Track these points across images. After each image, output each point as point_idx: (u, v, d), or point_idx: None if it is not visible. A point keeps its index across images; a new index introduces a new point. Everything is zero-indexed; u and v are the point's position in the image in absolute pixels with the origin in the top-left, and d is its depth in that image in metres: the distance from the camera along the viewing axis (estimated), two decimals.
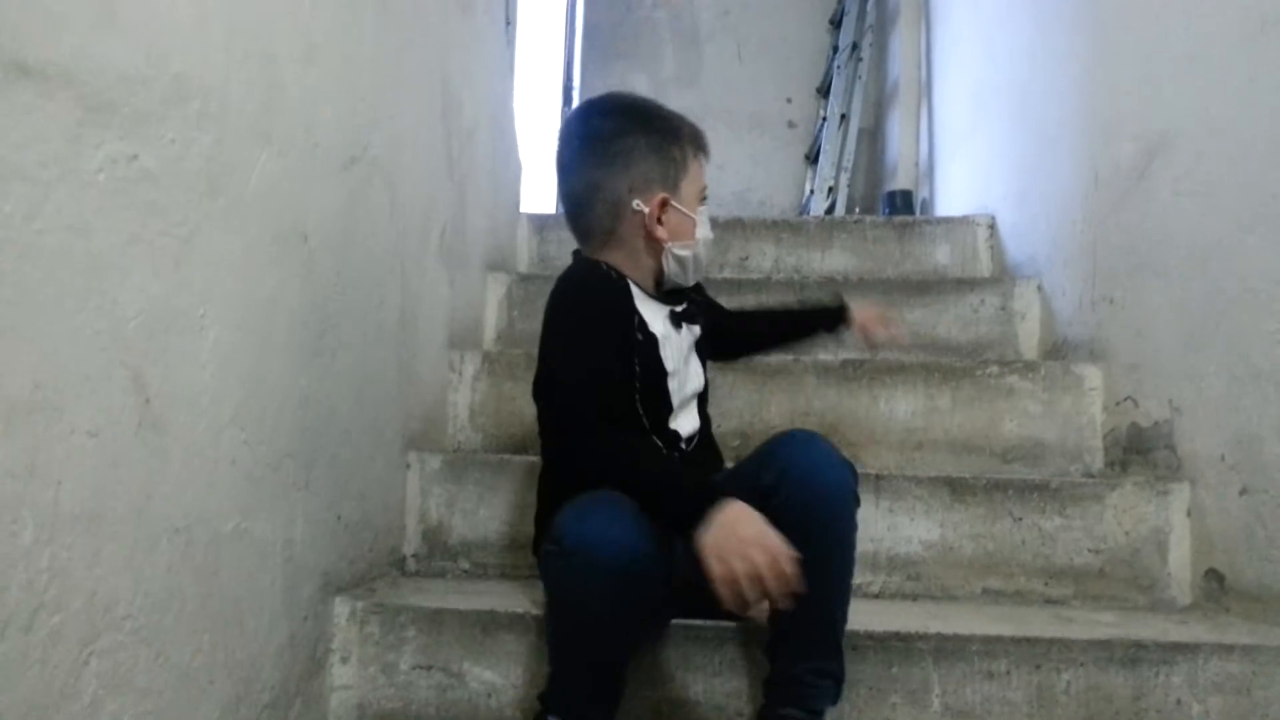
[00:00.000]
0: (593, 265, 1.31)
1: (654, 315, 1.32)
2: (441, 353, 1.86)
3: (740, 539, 1.03)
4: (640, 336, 1.29)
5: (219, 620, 1.02)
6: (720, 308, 1.54)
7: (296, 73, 1.16)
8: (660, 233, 1.29)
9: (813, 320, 1.61)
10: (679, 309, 1.36)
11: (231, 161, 1.01)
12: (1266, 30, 1.36)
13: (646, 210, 1.28)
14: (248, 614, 1.08)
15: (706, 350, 1.42)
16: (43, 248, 0.73)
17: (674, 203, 1.30)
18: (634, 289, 1.31)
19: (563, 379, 1.23)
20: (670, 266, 1.32)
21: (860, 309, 1.58)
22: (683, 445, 1.32)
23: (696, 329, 1.39)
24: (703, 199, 1.35)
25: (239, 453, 1.05)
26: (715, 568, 1.02)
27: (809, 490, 1.12)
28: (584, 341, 1.24)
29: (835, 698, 1.16)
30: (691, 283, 1.38)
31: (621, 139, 1.29)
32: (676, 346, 1.33)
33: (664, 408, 1.30)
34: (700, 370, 1.39)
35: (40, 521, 0.74)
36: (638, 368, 1.27)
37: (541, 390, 1.35)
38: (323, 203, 1.26)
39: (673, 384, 1.31)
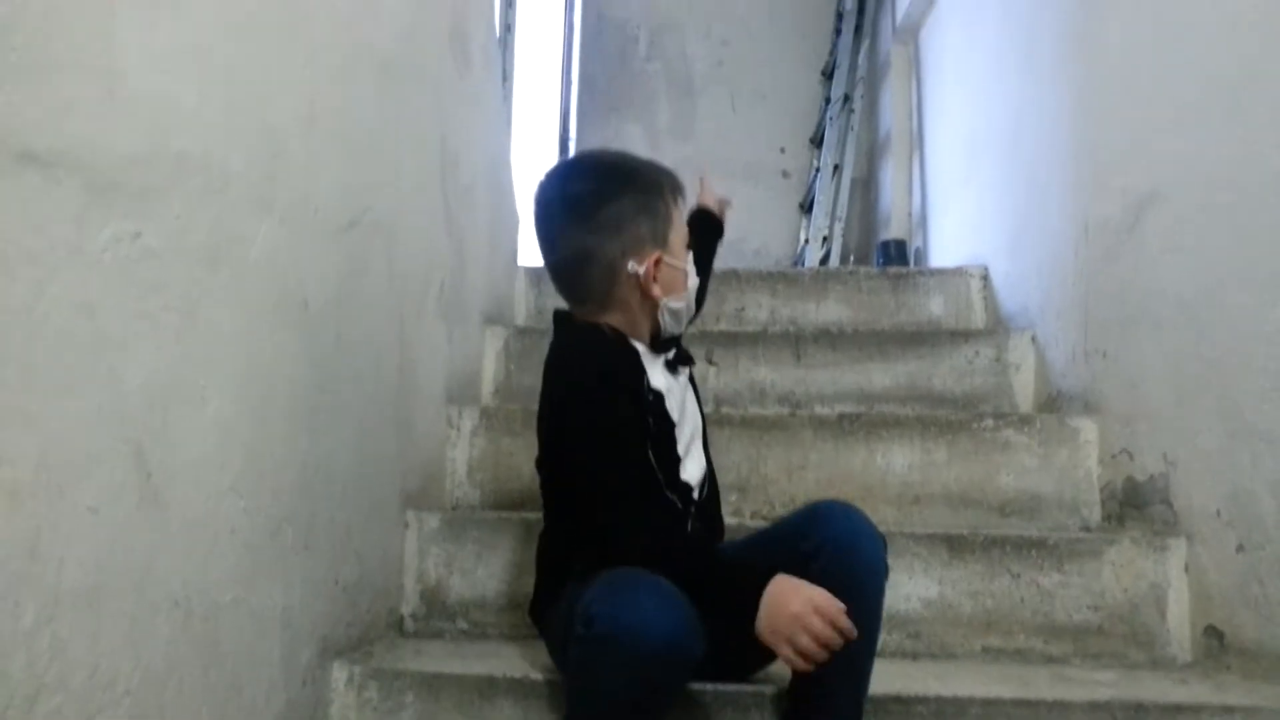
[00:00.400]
0: (594, 334, 1.29)
1: (655, 371, 1.32)
2: (440, 408, 1.87)
3: (793, 615, 1.06)
4: (650, 397, 1.29)
5: (218, 690, 1.01)
6: None
7: (297, 141, 1.18)
8: (655, 291, 1.29)
9: (704, 234, 1.67)
10: (671, 356, 1.35)
11: (233, 233, 1.02)
12: (1250, 90, 1.39)
13: (641, 271, 1.27)
14: (246, 682, 1.08)
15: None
16: (48, 329, 0.74)
17: (667, 259, 1.30)
18: (640, 351, 1.31)
19: (604, 484, 1.20)
20: (665, 320, 1.33)
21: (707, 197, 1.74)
22: (694, 495, 1.32)
23: (688, 369, 1.39)
24: (688, 245, 1.36)
25: (238, 521, 1.05)
26: (783, 649, 1.06)
27: (847, 561, 1.14)
28: (614, 438, 1.22)
29: None
30: (684, 329, 1.38)
31: (608, 204, 1.27)
32: (677, 395, 1.34)
33: (674, 458, 1.30)
34: (696, 408, 1.40)
35: (42, 602, 0.74)
36: (651, 425, 1.27)
37: (550, 467, 1.33)
38: (323, 267, 1.27)
39: (679, 432, 1.32)
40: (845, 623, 1.05)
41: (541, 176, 1.36)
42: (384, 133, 1.51)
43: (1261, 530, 1.37)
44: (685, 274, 1.34)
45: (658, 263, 1.28)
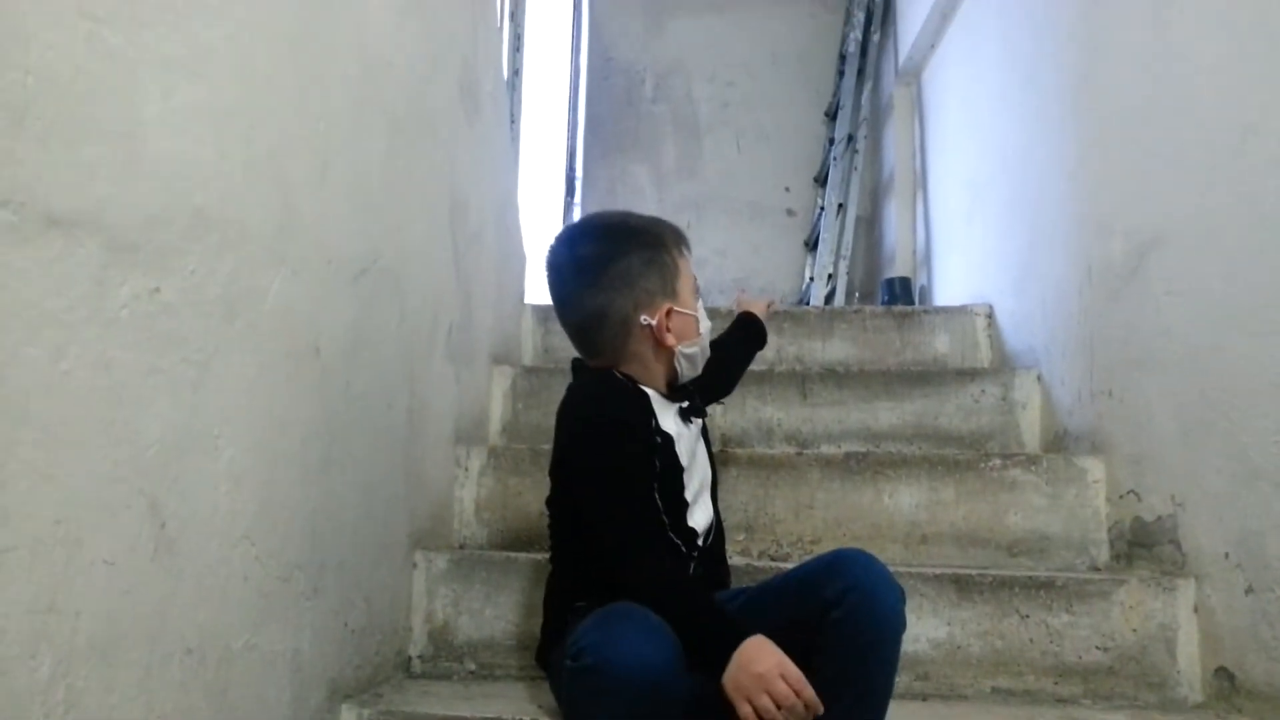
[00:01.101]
0: (606, 378, 1.35)
1: (667, 415, 1.36)
2: (448, 449, 1.88)
3: (758, 675, 1.08)
4: (659, 439, 1.32)
5: None
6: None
7: (311, 193, 1.21)
8: (669, 340, 1.34)
9: (745, 342, 1.77)
10: (685, 405, 1.39)
11: (248, 286, 1.05)
12: (1249, 137, 1.41)
13: (654, 322, 1.32)
14: None
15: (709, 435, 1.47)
16: (67, 387, 0.76)
17: (677, 308, 1.34)
18: (650, 394, 1.35)
19: (611, 518, 1.25)
20: (681, 366, 1.38)
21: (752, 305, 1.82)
22: (699, 541, 1.35)
23: (701, 420, 1.43)
24: (696, 292, 1.41)
25: (250, 568, 1.06)
26: (742, 707, 1.08)
27: (867, 609, 1.14)
28: (620, 473, 1.27)
29: None
30: (699, 373, 1.42)
31: (616, 262, 1.33)
32: (688, 442, 1.38)
33: (681, 504, 1.33)
34: (707, 460, 1.43)
35: (58, 655, 0.75)
36: (658, 468, 1.31)
37: (560, 505, 1.38)
38: (334, 316, 1.29)
39: (687, 478, 1.35)
40: (809, 694, 1.08)
41: (551, 242, 1.42)
42: (394, 184, 1.54)
43: (1271, 573, 1.37)
44: (697, 320, 1.38)
45: (669, 313, 1.33)
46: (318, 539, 1.24)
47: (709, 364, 1.46)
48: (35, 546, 0.73)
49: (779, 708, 1.07)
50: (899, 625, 1.18)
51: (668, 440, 1.33)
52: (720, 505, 1.49)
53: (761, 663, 1.09)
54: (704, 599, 1.23)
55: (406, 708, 1.34)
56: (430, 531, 1.73)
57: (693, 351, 1.37)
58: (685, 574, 1.30)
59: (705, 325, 1.40)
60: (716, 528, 1.41)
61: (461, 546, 1.88)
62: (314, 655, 1.23)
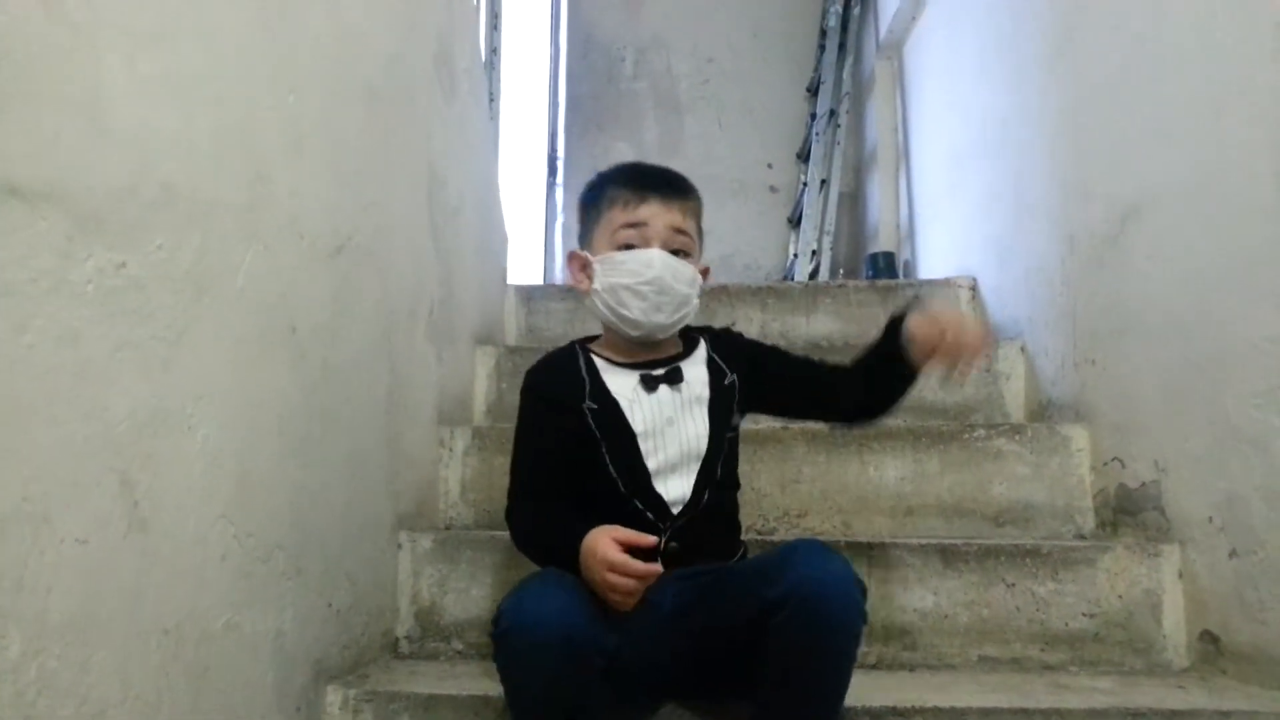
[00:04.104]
0: (553, 351, 1.43)
1: (619, 380, 1.33)
2: (431, 429, 1.86)
3: (600, 583, 1.15)
4: (594, 405, 1.30)
5: (210, 718, 1.01)
6: (775, 356, 1.45)
7: (284, 166, 1.19)
8: (581, 285, 1.36)
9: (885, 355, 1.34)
10: (657, 373, 1.33)
11: (219, 261, 1.03)
12: (1230, 98, 1.40)
13: (567, 274, 1.38)
14: (239, 709, 1.07)
15: (738, 406, 1.36)
16: (32, 360, 0.74)
17: (579, 252, 1.37)
18: (595, 359, 1.36)
19: (509, 490, 1.36)
20: (603, 315, 1.34)
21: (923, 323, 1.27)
22: (673, 512, 1.28)
23: (698, 387, 1.34)
24: (628, 233, 1.31)
25: (229, 548, 1.05)
26: (608, 598, 1.16)
27: (812, 618, 1.07)
28: (518, 443, 1.37)
29: None
30: (654, 323, 1.31)
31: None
32: (651, 409, 1.31)
33: (641, 471, 1.28)
34: (702, 432, 1.31)
35: (28, 634, 0.74)
36: (597, 433, 1.29)
37: None
38: (310, 293, 1.27)
39: (647, 445, 1.29)
40: (635, 566, 1.13)
41: None
42: (371, 159, 1.51)
43: (1253, 536, 1.37)
44: (616, 265, 1.30)
45: (574, 259, 1.37)
46: (299, 519, 1.22)
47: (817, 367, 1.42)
48: (1, 521, 0.71)
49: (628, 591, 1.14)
50: (851, 627, 1.10)
51: (611, 406, 1.30)
52: (725, 496, 1.39)
53: (594, 572, 1.15)
54: (557, 523, 1.27)
55: (392, 688, 1.33)
56: (415, 513, 1.72)
57: (603, 301, 1.31)
58: (559, 516, 1.28)
59: (629, 270, 1.29)
60: (708, 503, 1.31)
61: (448, 527, 1.87)
62: (297, 636, 1.22)
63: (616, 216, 1.32)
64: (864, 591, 1.11)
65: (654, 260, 1.29)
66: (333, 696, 1.29)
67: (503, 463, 1.90)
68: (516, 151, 3.72)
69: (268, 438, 1.14)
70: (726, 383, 1.36)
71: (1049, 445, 1.84)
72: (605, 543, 1.15)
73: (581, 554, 1.17)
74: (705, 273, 1.37)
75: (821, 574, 1.09)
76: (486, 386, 2.25)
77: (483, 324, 2.33)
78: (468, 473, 1.92)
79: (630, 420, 1.30)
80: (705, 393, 1.34)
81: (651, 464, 1.29)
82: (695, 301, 1.33)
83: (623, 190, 1.33)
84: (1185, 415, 1.53)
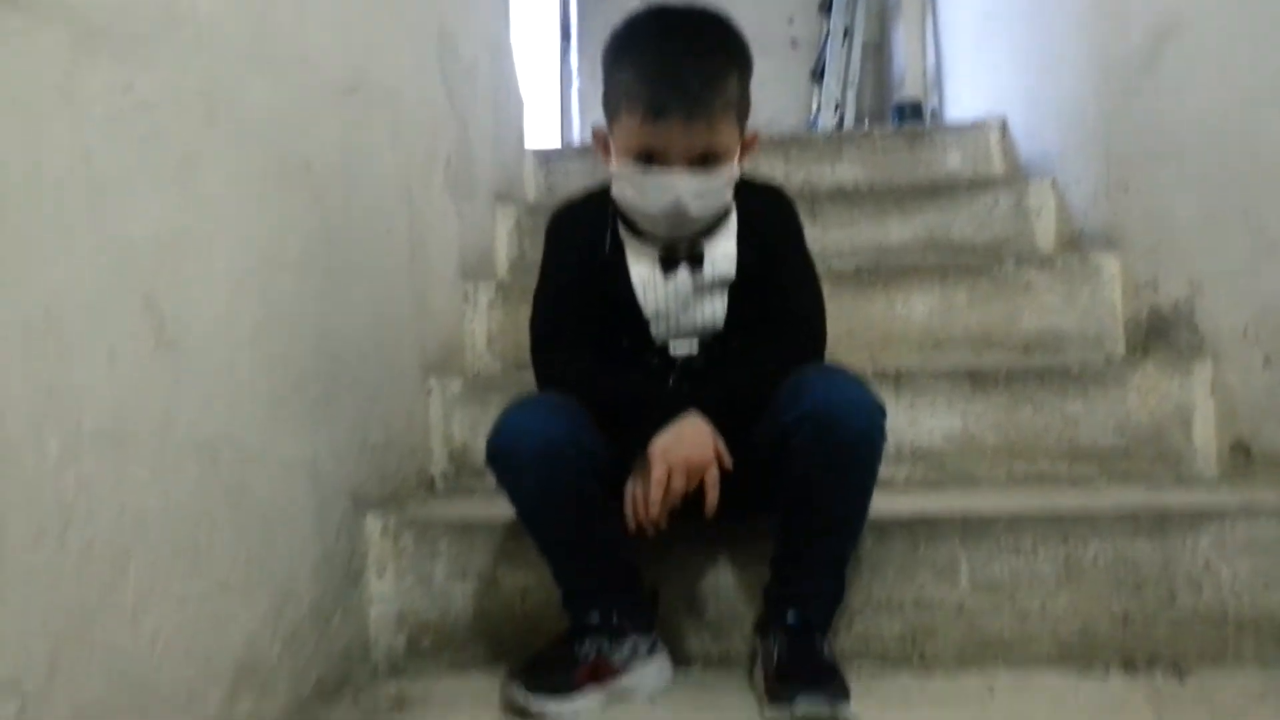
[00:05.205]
0: (587, 194, 1.32)
1: (639, 256, 1.25)
2: (455, 283, 1.87)
3: (683, 459, 1.10)
4: (611, 281, 1.24)
5: (252, 536, 1.04)
6: (787, 268, 1.29)
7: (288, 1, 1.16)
8: (606, 160, 1.23)
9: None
10: (667, 257, 1.24)
11: (227, 89, 1.01)
12: None
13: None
14: (279, 531, 1.10)
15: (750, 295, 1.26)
16: (44, 175, 0.74)
17: (602, 130, 1.24)
18: (619, 224, 1.25)
19: (531, 323, 1.28)
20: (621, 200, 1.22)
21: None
22: (679, 363, 1.26)
23: (723, 265, 1.24)
24: (646, 146, 1.15)
25: (258, 373, 1.06)
26: (657, 468, 1.10)
27: (827, 436, 1.08)
28: (544, 280, 1.29)
29: (829, 616, 1.18)
30: (675, 236, 1.22)
31: None
32: (665, 294, 1.24)
33: (648, 340, 1.26)
34: (719, 314, 1.25)
35: (64, 441, 0.75)
36: (609, 294, 1.24)
37: None
38: (323, 130, 1.26)
39: (658, 327, 1.25)
40: (714, 496, 1.11)
41: None
42: (378, 4, 1.48)
43: None
44: (630, 179, 1.18)
45: (598, 137, 1.25)
46: (327, 355, 1.24)
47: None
48: (27, 330, 0.72)
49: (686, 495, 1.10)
50: (869, 444, 1.10)
51: (625, 285, 1.24)
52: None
53: (700, 450, 1.10)
54: (633, 374, 1.24)
55: (430, 515, 1.38)
56: (442, 362, 1.74)
57: (623, 201, 1.21)
58: (596, 363, 1.24)
59: (647, 198, 1.17)
60: (723, 357, 1.26)
61: (475, 377, 1.89)
62: (333, 466, 1.24)
63: (634, 126, 1.15)
64: (883, 411, 1.11)
65: (673, 186, 1.15)
66: (373, 524, 1.32)
67: (527, 315, 1.91)
68: (530, 16, 3.62)
69: (291, 270, 1.14)
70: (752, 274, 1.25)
71: (1080, 275, 1.81)
72: (717, 457, 1.11)
73: (689, 431, 1.11)
74: (752, 141, 1.23)
75: (838, 394, 1.10)
76: (508, 244, 2.23)
77: (502, 184, 2.31)
78: (493, 325, 1.93)
79: (642, 304, 1.25)
80: (731, 271, 1.24)
81: (659, 337, 1.26)
82: (727, 197, 1.22)
83: (641, 94, 1.13)
84: (1221, 231, 1.50)
